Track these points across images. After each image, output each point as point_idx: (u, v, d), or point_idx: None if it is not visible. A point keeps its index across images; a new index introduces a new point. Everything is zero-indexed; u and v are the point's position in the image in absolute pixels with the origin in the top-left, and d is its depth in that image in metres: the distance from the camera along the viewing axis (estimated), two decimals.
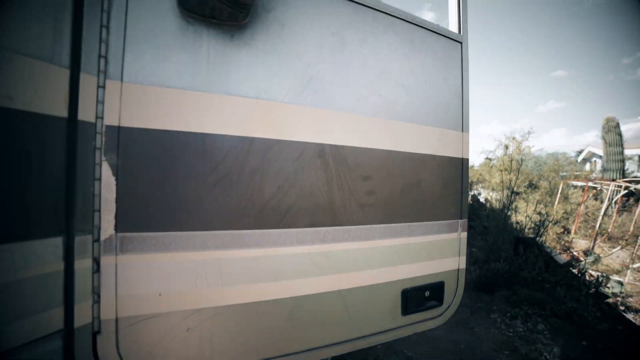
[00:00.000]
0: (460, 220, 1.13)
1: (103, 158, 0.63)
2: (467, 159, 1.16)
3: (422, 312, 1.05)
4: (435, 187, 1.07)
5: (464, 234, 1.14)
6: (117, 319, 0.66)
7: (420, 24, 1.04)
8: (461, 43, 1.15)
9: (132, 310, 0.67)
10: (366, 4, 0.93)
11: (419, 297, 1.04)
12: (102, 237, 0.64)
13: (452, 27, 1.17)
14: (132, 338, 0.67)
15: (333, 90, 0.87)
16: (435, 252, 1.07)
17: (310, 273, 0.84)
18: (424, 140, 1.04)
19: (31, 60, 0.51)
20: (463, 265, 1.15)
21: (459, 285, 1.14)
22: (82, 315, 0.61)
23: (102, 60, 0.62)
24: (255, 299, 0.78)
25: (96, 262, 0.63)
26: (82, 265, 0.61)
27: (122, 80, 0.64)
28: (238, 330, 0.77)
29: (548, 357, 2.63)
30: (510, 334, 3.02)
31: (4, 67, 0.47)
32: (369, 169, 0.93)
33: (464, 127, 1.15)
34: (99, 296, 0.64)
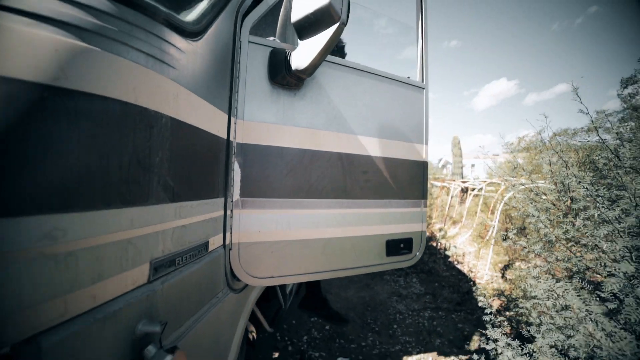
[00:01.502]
0: (422, 200, 1.79)
1: (235, 159, 1.24)
2: (427, 162, 1.83)
3: (398, 256, 1.70)
4: (406, 178, 1.72)
5: (425, 209, 1.80)
6: (239, 244, 1.26)
7: (398, 79, 1.70)
8: (424, 89, 1.82)
9: (245, 239, 1.27)
10: (365, 70, 1.58)
11: (396, 246, 1.68)
12: (234, 199, 1.24)
13: (419, 78, 1.84)
14: (244, 254, 1.28)
15: (347, 122, 1.51)
16: (406, 218, 1.72)
17: (334, 225, 1.47)
18: (399, 150, 1.69)
19: (218, 111, 1.12)
20: (424, 229, 1.81)
21: (422, 242, 1.80)
22: (227, 239, 1.21)
23: (235, 109, 1.23)
24: (305, 238, 1.40)
25: (231, 212, 1.24)
26: (227, 213, 1.21)
27: (243, 118, 1.26)
28: (296, 255, 1.39)
29: (416, 292, 5.04)
30: (397, 286, 5.25)
31: (216, 116, 1.08)
32: (366, 167, 1.57)
33: (425, 141, 1.82)
34: (232, 230, 1.24)
